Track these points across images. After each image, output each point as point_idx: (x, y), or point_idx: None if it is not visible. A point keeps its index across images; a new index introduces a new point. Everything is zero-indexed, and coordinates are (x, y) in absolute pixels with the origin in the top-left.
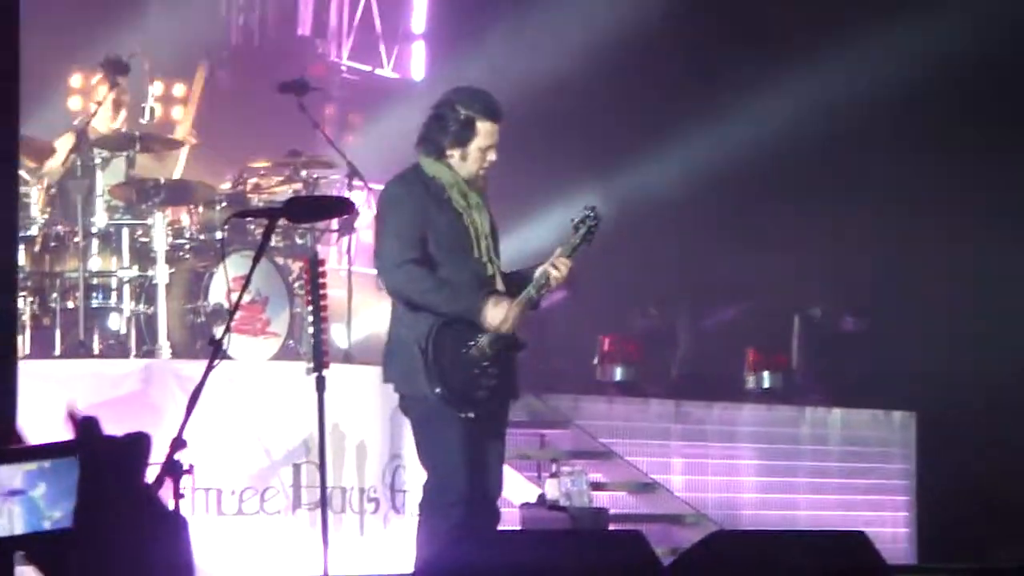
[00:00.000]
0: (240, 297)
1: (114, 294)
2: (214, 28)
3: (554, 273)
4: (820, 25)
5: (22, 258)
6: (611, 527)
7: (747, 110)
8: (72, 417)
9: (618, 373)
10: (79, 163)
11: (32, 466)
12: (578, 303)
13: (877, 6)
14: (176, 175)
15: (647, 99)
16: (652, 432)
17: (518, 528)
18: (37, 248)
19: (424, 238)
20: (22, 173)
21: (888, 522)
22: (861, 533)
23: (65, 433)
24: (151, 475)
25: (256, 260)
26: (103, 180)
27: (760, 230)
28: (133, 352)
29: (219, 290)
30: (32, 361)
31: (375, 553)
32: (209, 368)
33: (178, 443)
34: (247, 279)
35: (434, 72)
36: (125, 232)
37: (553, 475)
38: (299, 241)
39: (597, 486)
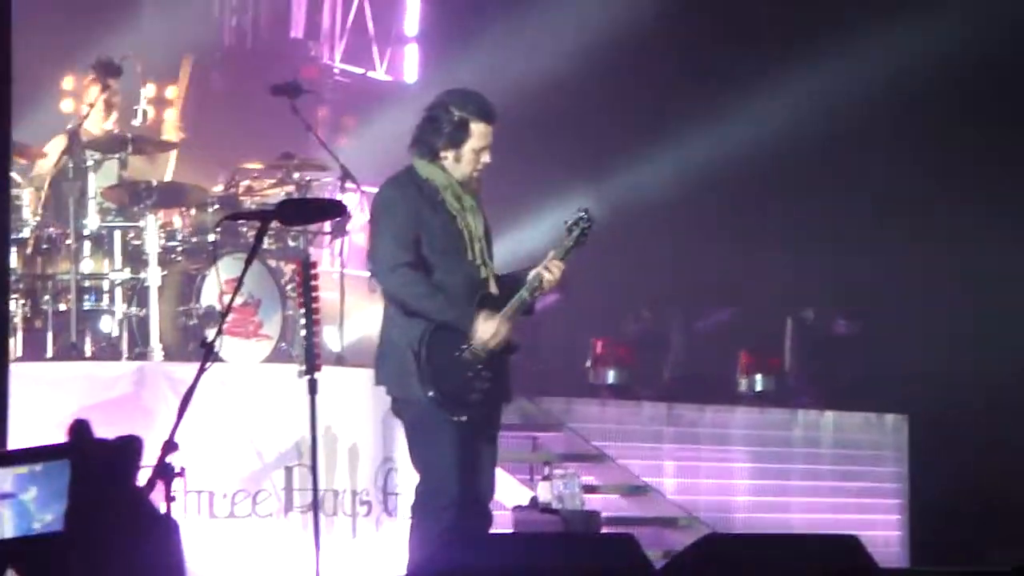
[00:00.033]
0: (232, 299)
1: (106, 296)
2: (207, 30)
3: (547, 276)
4: (816, 25)
5: (14, 260)
6: (603, 530)
7: (741, 111)
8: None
9: (611, 376)
10: (71, 165)
11: (23, 469)
12: (571, 306)
13: (876, 6)
14: (168, 176)
15: (641, 100)
16: (644, 435)
17: (510, 531)
18: (29, 250)
19: (418, 240)
20: (14, 175)
21: (880, 525)
22: (853, 536)
23: (58, 436)
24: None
25: (248, 262)
26: (95, 182)
27: (753, 232)
28: (125, 354)
29: (211, 292)
30: (24, 363)
31: (367, 556)
32: (201, 370)
33: (170, 446)
34: (239, 281)
35: (427, 75)
36: (117, 234)
37: (545, 478)
38: (291, 244)
39: (589, 489)
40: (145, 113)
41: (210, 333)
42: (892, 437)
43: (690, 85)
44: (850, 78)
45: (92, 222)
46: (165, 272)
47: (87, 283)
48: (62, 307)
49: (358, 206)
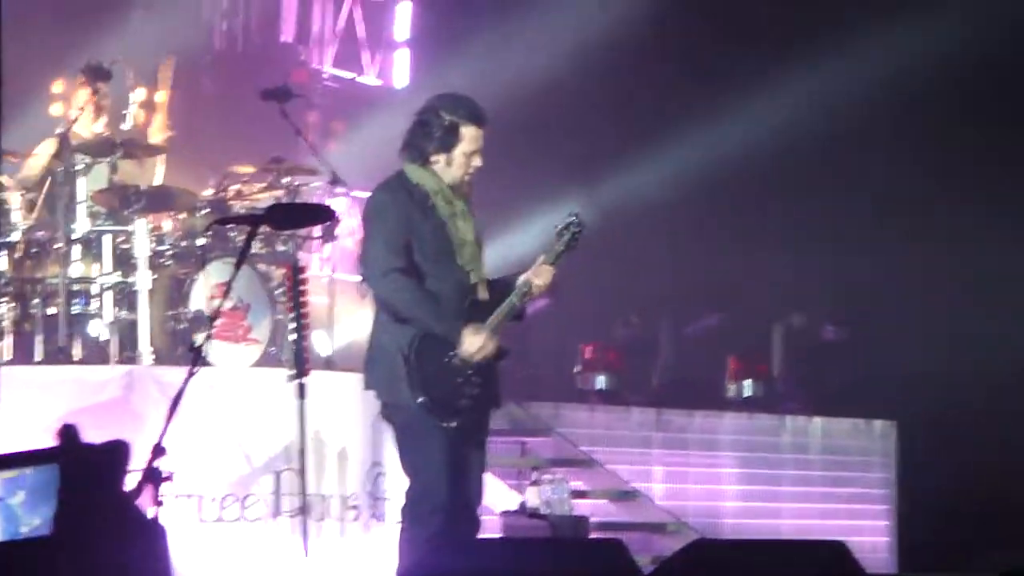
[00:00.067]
0: (221, 304)
1: (95, 300)
2: (197, 33)
3: (537, 281)
4: (814, 25)
5: (3, 264)
6: (591, 535)
7: (736, 112)
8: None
9: (599, 381)
10: (60, 169)
11: (12, 473)
12: (560, 311)
13: (874, 6)
14: (157, 180)
15: (633, 103)
16: (633, 440)
17: (499, 536)
18: (18, 254)
19: (409, 245)
20: (3, 178)
21: (868, 531)
22: (841, 542)
23: (46, 440)
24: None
25: (238, 267)
26: (85, 186)
27: (747, 235)
28: (114, 358)
29: (200, 297)
30: (13, 367)
31: (356, 561)
32: (189, 375)
33: (158, 450)
34: (228, 286)
35: (417, 79)
36: (107, 238)
37: (534, 483)
38: (281, 248)
39: (578, 494)
40: (135, 117)
41: (199, 337)
42: (880, 443)
43: (683, 88)
44: (849, 78)
45: (82, 226)
46: (154, 276)
47: (76, 287)
48: (51, 311)
49: (348, 211)
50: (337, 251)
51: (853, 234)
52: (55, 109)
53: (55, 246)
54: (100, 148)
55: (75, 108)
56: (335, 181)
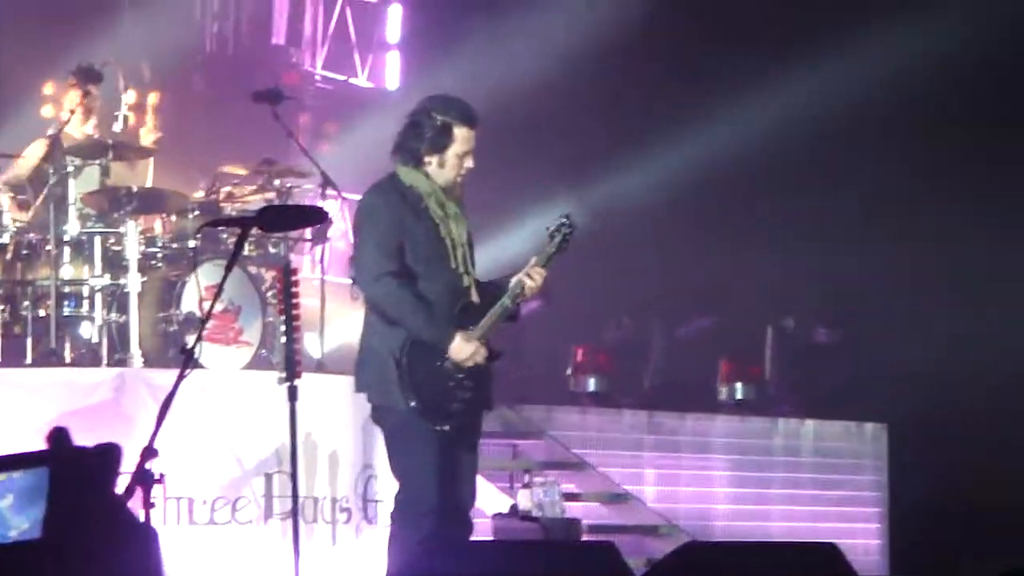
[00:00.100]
0: (212, 306)
1: (86, 302)
2: (188, 35)
3: (529, 283)
4: (802, 27)
5: None
6: (584, 538)
7: (724, 115)
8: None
9: (591, 384)
10: (51, 171)
11: (1, 476)
12: (552, 313)
13: (864, 8)
14: (147, 183)
15: (624, 105)
16: (625, 443)
17: (490, 539)
18: (9, 256)
19: (402, 248)
20: None
21: (860, 534)
22: (833, 545)
23: (36, 443)
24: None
25: (229, 269)
26: (76, 188)
27: (737, 236)
28: (105, 360)
29: (191, 299)
30: (3, 369)
31: (347, 563)
32: (180, 377)
33: (149, 452)
34: (219, 288)
35: (408, 81)
36: (98, 240)
37: (526, 486)
38: (272, 250)
39: (570, 497)
40: (126, 119)
41: (190, 339)
42: (872, 446)
43: (673, 89)
44: (836, 79)
45: (72, 228)
46: (145, 278)
47: (67, 289)
48: (42, 313)
49: (339, 213)
50: (328, 253)
51: (843, 235)
52: (46, 111)
53: (46, 248)
54: (91, 150)
55: (66, 110)
56: (326, 183)
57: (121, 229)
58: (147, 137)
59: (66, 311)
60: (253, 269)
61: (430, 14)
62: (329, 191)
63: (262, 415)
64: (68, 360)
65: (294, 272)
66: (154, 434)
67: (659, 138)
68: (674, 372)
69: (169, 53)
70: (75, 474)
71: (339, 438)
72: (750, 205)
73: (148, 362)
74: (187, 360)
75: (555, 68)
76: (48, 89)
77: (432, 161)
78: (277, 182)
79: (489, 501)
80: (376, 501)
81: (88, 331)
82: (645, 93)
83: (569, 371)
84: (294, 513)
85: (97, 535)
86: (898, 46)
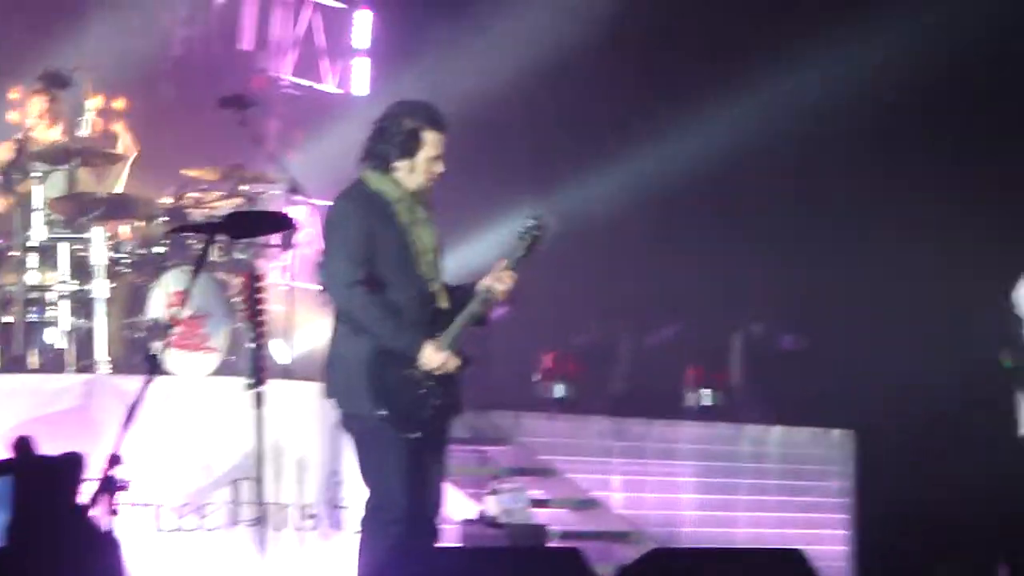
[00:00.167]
0: (179, 312)
1: (52, 308)
2: (156, 41)
3: (498, 287)
4: (770, 37)
5: None
6: (551, 544)
7: (691, 122)
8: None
9: (559, 390)
10: (17, 176)
11: None
12: (520, 318)
13: (828, 18)
14: (119, 189)
15: (591, 112)
16: (592, 449)
17: (458, 545)
18: None
19: (371, 255)
20: None
21: (826, 540)
22: (799, 551)
23: (1, 451)
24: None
25: (195, 275)
26: (43, 194)
27: (704, 243)
28: (71, 367)
29: (158, 305)
30: None
31: (314, 570)
32: (146, 383)
33: (114, 459)
34: (186, 294)
35: (377, 88)
36: (64, 246)
37: (493, 492)
38: (239, 256)
39: (538, 503)
40: (93, 124)
41: (156, 346)
42: (838, 452)
43: (640, 97)
44: (804, 87)
45: (38, 233)
46: (112, 284)
47: (33, 295)
48: (7, 319)
49: (307, 219)
50: (296, 259)
51: (809, 242)
52: (13, 116)
53: (11, 254)
54: (56, 156)
55: (31, 116)
56: (294, 189)
57: (88, 235)
58: (131, 150)
59: (32, 317)
60: (220, 275)
61: (399, 20)
62: (296, 197)
63: (229, 421)
64: (34, 367)
65: (261, 278)
66: (118, 441)
67: (626, 144)
68: (641, 378)
69: (136, 59)
70: (39, 482)
71: (306, 444)
72: (717, 212)
73: (115, 368)
74: (153, 366)
75: (523, 75)
76: (14, 94)
77: (402, 166)
78: (244, 188)
79: (457, 507)
80: (343, 507)
81: (54, 337)
82: (611, 100)
83: (537, 377)
84: (261, 520)
85: (60, 543)
86: (860, 56)
